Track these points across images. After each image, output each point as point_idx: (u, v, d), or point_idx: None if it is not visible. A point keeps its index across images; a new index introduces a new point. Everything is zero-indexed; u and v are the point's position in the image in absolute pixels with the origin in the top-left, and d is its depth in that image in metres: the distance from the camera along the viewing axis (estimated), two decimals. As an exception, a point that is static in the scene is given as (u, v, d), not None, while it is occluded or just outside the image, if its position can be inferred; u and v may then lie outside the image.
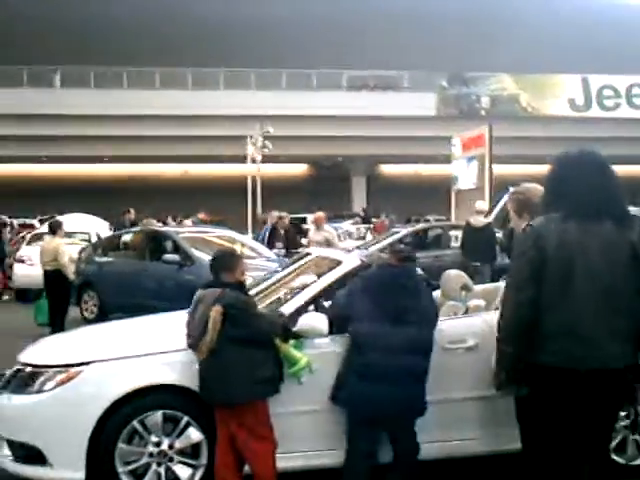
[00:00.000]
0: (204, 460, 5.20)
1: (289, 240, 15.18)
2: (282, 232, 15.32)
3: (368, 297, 5.20)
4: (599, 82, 43.90)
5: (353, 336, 5.18)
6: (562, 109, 43.51)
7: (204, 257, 11.71)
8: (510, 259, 4.12)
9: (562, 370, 3.72)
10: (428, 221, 32.39)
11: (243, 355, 4.89)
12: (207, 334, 4.87)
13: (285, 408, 5.23)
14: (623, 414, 5.62)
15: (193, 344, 4.99)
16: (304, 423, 5.32)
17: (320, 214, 15.11)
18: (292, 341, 5.24)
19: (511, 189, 5.11)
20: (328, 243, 13.58)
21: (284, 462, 5.23)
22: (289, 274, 6.48)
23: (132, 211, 19.62)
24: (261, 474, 5.01)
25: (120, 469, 5.10)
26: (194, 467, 5.18)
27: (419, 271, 5.66)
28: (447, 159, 27.01)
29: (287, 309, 5.49)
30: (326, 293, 5.70)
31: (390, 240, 17.42)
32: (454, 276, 5.91)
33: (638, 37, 46.27)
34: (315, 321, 5.33)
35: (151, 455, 5.15)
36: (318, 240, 13.75)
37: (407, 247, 6.00)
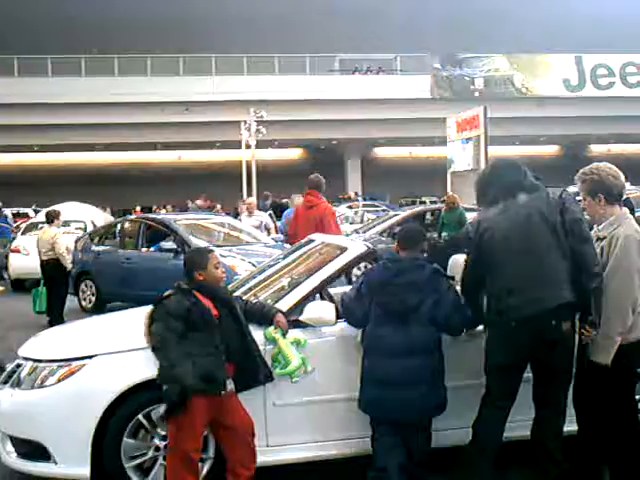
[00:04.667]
0: (211, 453, 5.12)
1: None
2: None
3: (372, 297, 5.06)
4: (593, 61, 43.72)
5: (362, 339, 5.11)
6: (556, 89, 43.33)
7: (202, 244, 11.62)
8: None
9: (507, 322, 4.68)
10: (423, 203, 32.30)
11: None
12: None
13: (290, 399, 5.15)
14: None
15: None
16: (311, 414, 5.24)
17: (251, 200, 16.50)
18: (296, 331, 5.13)
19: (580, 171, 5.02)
20: (265, 226, 14.78)
21: (288, 454, 5.21)
22: (293, 261, 6.36)
23: (270, 195, 19.04)
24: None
25: (126, 464, 5.01)
26: (202, 460, 5.07)
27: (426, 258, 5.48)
28: (442, 141, 26.93)
29: (292, 298, 5.38)
30: (332, 281, 5.60)
31: (388, 223, 17.33)
32: (462, 261, 5.70)
33: (632, 14, 46.20)
34: (322, 310, 5.24)
35: (157, 449, 5.06)
36: (254, 225, 14.62)
37: (413, 226, 5.85)
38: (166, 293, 4.87)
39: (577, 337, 4.86)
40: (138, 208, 25.55)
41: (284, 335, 5.04)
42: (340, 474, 5.53)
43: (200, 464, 5.04)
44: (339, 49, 42.44)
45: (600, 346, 4.65)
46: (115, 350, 5.19)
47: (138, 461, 5.06)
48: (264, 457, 5.08)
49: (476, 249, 4.89)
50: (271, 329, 5.06)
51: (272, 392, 5.09)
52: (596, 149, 49.24)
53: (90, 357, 5.13)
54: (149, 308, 5.01)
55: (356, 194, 39.73)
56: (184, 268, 5.01)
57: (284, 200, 16.57)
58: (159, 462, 5.05)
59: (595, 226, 4.93)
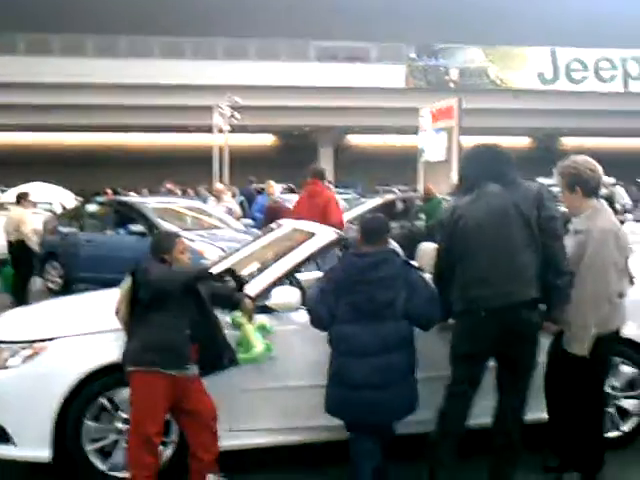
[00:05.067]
0: (174, 437, 5.09)
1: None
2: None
3: (339, 295, 4.78)
4: (567, 55, 44.01)
5: (329, 338, 4.87)
6: (531, 82, 43.59)
7: (171, 228, 11.56)
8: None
9: (476, 311, 4.65)
10: (392, 192, 32.27)
11: (146, 321, 4.70)
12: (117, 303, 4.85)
13: (255, 384, 5.14)
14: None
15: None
16: (276, 400, 5.22)
17: (219, 186, 16.58)
18: (263, 317, 5.10)
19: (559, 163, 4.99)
20: (231, 212, 15.00)
21: (250, 439, 5.22)
22: (262, 246, 6.32)
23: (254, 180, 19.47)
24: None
25: (88, 447, 4.97)
26: (164, 444, 5.04)
27: (394, 246, 5.42)
28: (415, 130, 26.90)
29: (260, 283, 5.34)
30: (300, 266, 5.58)
31: (359, 211, 17.27)
32: (430, 249, 5.63)
33: (606, 11, 46.45)
34: (286, 296, 5.22)
35: (119, 432, 5.02)
36: (222, 211, 14.87)
37: (377, 217, 5.26)
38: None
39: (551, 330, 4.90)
40: (109, 191, 25.47)
41: (250, 320, 5.01)
42: (302, 461, 5.53)
43: (163, 448, 5.02)
44: (315, 36, 42.31)
45: (576, 337, 4.67)
46: (78, 332, 5.13)
47: (100, 444, 5.02)
48: (227, 441, 5.06)
49: (449, 236, 4.81)
50: (237, 314, 5.02)
51: (237, 377, 5.05)
52: (569, 142, 49.61)
53: (52, 339, 5.06)
54: (115, 290, 4.96)
55: (329, 182, 39.65)
56: (150, 252, 4.97)
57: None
58: (121, 445, 5.00)
59: (573, 219, 4.93)
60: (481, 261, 4.66)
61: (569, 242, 4.82)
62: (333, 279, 4.87)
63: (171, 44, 40.55)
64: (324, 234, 5.68)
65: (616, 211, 16.07)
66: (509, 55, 43.83)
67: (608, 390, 5.47)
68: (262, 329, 5.04)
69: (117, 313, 4.88)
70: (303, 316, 5.17)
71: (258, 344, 4.93)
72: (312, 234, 5.70)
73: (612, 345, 4.88)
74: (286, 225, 6.54)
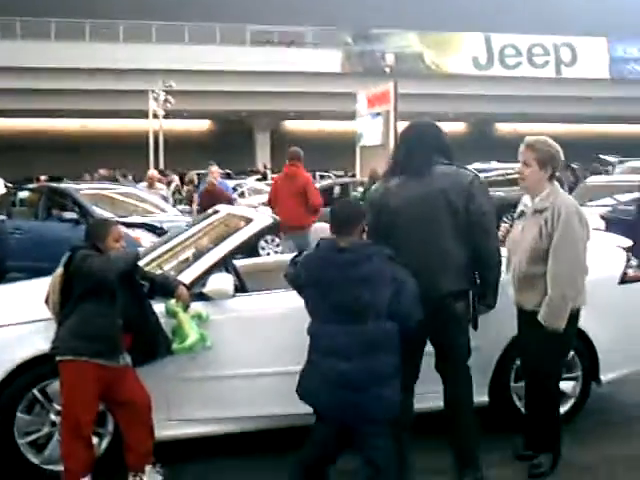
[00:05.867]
0: (110, 428, 4.99)
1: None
2: None
3: (315, 288, 4.40)
4: (501, 41, 44.55)
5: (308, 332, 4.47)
6: (465, 67, 44.05)
7: (105, 214, 11.38)
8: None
9: None
10: (323, 176, 32.42)
11: (77, 310, 4.60)
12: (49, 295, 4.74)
13: (192, 373, 5.07)
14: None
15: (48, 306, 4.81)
16: (213, 389, 5.16)
17: (151, 173, 16.36)
18: (199, 305, 5.03)
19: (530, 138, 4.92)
20: (164, 199, 14.82)
21: (188, 428, 5.16)
22: (198, 232, 6.23)
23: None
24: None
25: (20, 440, 4.85)
26: (100, 435, 4.97)
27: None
28: (352, 116, 26.95)
29: (195, 270, 5.27)
30: (236, 252, 5.52)
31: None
32: None
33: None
34: (222, 283, 5.14)
35: (53, 424, 4.90)
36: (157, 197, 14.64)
37: (350, 204, 4.93)
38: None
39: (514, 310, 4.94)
40: (43, 177, 24.93)
41: (185, 309, 4.93)
42: (240, 451, 5.49)
43: (98, 439, 4.94)
44: (251, 19, 42.03)
45: (554, 313, 4.70)
46: (8, 322, 5.01)
47: (33, 437, 4.91)
48: (165, 431, 5.00)
49: (377, 215, 4.65)
50: (172, 302, 4.94)
51: (175, 366, 4.98)
52: (503, 128, 50.25)
53: (-19, 329, 4.93)
54: (46, 279, 4.85)
55: (265, 166, 39.51)
56: (85, 238, 4.86)
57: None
58: (55, 438, 4.89)
59: (529, 198, 4.94)
60: (405, 246, 4.53)
61: (529, 222, 4.83)
62: (309, 275, 4.45)
63: (104, 27, 39.84)
64: (260, 220, 5.63)
65: None
66: (444, 40, 44.17)
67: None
68: (197, 318, 4.96)
69: (46, 301, 4.77)
70: (239, 303, 5.15)
71: (192, 334, 4.85)
72: (248, 219, 5.64)
73: (576, 322, 4.93)
74: (222, 211, 6.47)
